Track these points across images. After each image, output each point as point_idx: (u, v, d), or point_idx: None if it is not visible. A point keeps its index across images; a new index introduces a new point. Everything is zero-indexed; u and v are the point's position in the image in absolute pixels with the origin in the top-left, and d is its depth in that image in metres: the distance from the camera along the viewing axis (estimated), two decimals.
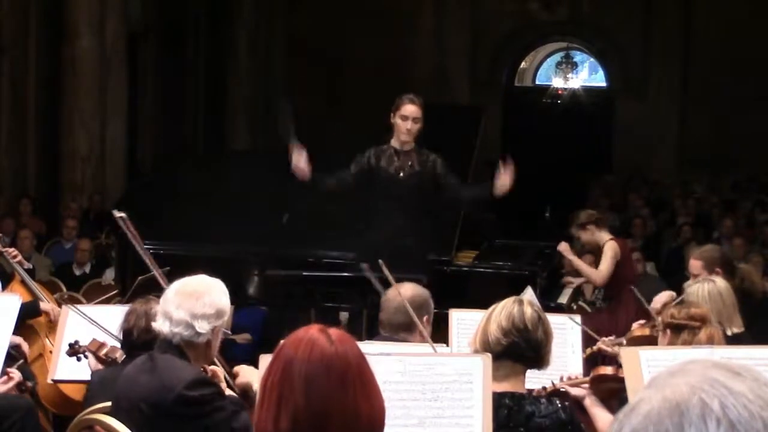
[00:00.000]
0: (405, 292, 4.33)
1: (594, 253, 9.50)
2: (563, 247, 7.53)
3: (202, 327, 3.49)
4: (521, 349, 3.44)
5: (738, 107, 17.14)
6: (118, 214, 4.71)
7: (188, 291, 3.53)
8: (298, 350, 2.17)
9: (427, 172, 6.38)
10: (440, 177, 6.40)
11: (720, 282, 5.09)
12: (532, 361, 3.51)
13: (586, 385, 4.19)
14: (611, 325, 6.92)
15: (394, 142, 6.42)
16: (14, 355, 5.16)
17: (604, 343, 5.36)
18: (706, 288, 4.99)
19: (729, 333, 4.86)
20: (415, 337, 4.23)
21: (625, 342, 5.26)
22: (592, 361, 5.86)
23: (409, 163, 6.41)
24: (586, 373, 4.65)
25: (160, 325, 3.52)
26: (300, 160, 6.25)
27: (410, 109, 6.31)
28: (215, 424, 3.44)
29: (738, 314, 5.00)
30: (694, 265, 5.89)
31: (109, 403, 3.70)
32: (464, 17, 18.33)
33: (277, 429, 2.12)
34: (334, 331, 2.22)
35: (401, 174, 6.39)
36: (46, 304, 6.05)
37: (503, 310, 3.52)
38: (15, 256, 6.38)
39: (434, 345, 3.98)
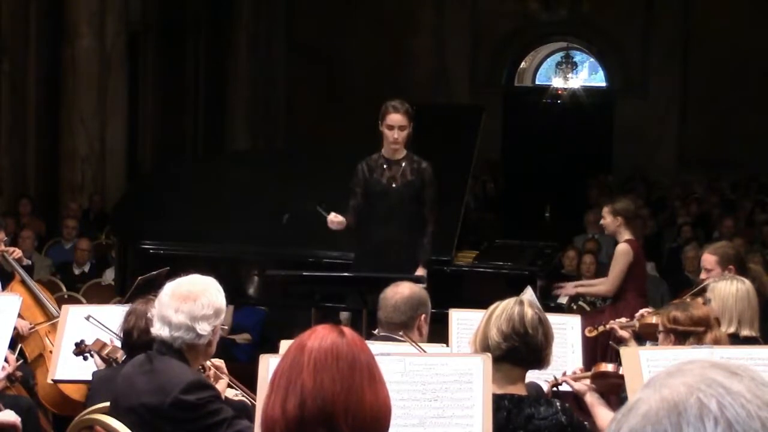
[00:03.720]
0: (402, 290, 4.34)
1: (593, 252, 9.51)
2: (568, 291, 7.46)
3: (204, 329, 3.47)
4: (521, 353, 3.44)
5: (738, 108, 17.15)
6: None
7: (184, 293, 3.49)
8: (309, 341, 2.21)
9: (418, 180, 6.37)
10: (424, 188, 6.37)
11: (748, 282, 5.05)
12: (533, 363, 3.51)
13: (588, 381, 4.21)
14: None
15: (385, 152, 6.41)
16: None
17: (616, 324, 5.37)
18: (736, 286, 4.94)
19: (743, 333, 4.86)
20: (413, 336, 4.23)
21: (637, 325, 5.26)
22: (599, 341, 5.88)
23: (401, 172, 6.39)
24: (586, 359, 4.67)
25: (159, 330, 3.49)
26: (335, 220, 6.28)
27: (395, 118, 6.27)
28: (212, 427, 3.43)
29: (758, 318, 4.97)
30: (708, 259, 5.87)
31: (108, 404, 3.71)
32: (464, 17, 18.33)
33: (284, 412, 2.14)
34: (346, 329, 2.27)
35: (394, 185, 6.37)
36: None
37: (504, 312, 3.49)
38: (13, 253, 6.39)
39: (424, 348, 3.97)
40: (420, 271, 6.27)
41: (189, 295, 3.49)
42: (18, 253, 6.55)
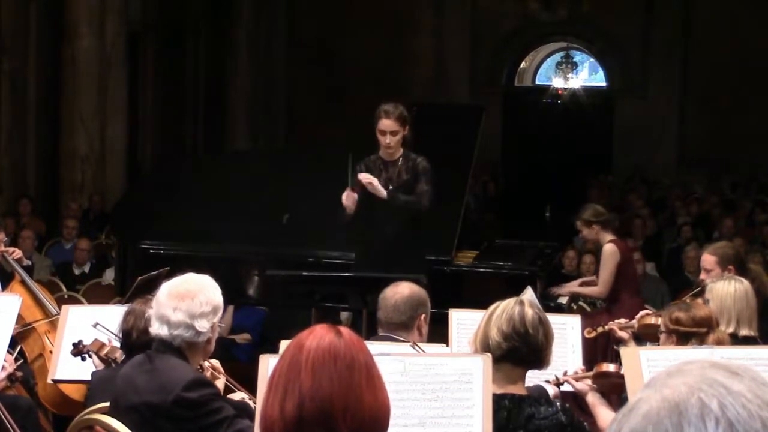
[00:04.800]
0: (402, 290, 4.33)
1: (593, 252, 9.51)
2: (562, 291, 7.50)
3: (203, 326, 3.48)
4: (521, 353, 3.44)
5: (738, 107, 17.15)
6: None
7: (181, 292, 3.50)
8: (307, 341, 2.20)
9: (413, 176, 6.37)
10: (417, 180, 6.37)
11: (746, 282, 5.05)
12: (533, 363, 3.51)
13: (589, 381, 4.21)
14: None
15: (381, 153, 6.42)
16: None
17: (615, 325, 5.37)
18: (734, 286, 4.94)
19: (742, 333, 4.85)
20: (412, 336, 4.23)
21: (636, 326, 5.26)
22: (598, 342, 5.89)
23: (398, 173, 6.40)
24: (586, 360, 4.68)
25: (158, 329, 3.49)
26: (350, 198, 6.26)
27: (386, 123, 6.28)
28: (213, 425, 3.43)
29: (756, 318, 4.97)
30: (708, 260, 5.86)
31: (108, 404, 3.71)
32: (464, 17, 18.34)
33: (282, 413, 2.13)
34: (344, 329, 2.26)
35: (390, 186, 6.38)
36: None
37: (504, 312, 3.49)
38: (13, 254, 6.38)
39: (424, 348, 3.97)
40: (377, 186, 6.22)
41: (187, 293, 3.49)
42: (18, 253, 6.55)
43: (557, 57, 19.83)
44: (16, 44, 12.17)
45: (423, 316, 4.32)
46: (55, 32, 12.37)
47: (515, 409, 3.35)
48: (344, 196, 6.28)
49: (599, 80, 19.81)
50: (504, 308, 3.51)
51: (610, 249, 7.13)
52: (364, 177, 6.25)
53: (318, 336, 2.20)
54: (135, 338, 4.15)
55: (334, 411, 2.13)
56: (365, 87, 16.78)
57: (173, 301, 3.47)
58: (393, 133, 6.27)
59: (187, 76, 16.34)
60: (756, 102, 16.96)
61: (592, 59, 19.70)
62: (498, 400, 3.30)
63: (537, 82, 20.52)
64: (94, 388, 4.28)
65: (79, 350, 4.65)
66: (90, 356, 4.62)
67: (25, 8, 12.27)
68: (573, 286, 7.63)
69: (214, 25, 16.63)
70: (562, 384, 4.25)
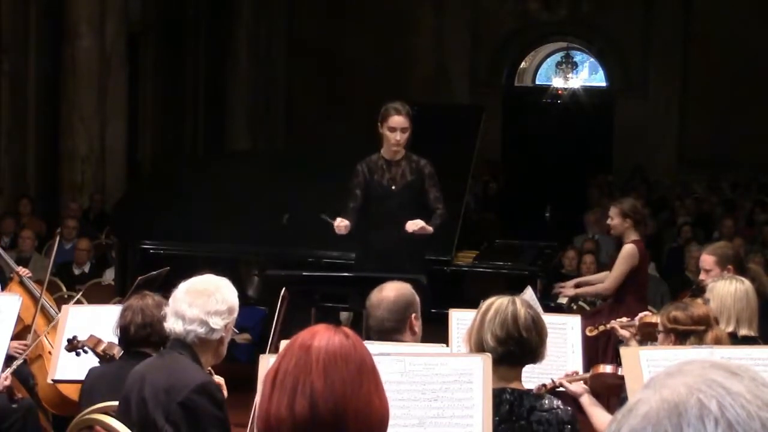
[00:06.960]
0: (388, 294, 4.24)
1: (593, 252, 9.51)
2: (567, 292, 7.44)
3: (216, 323, 3.51)
4: (517, 355, 3.47)
5: (738, 107, 17.15)
6: None
7: (199, 289, 3.55)
8: (314, 340, 2.17)
9: (418, 179, 6.37)
10: (425, 183, 6.36)
11: (747, 282, 5.05)
12: (528, 361, 3.54)
13: (583, 383, 4.21)
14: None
15: (384, 153, 6.40)
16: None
17: (617, 323, 5.36)
18: (735, 285, 4.95)
19: (742, 333, 4.86)
20: (405, 337, 4.19)
21: (637, 325, 5.25)
22: (599, 341, 5.88)
23: (401, 173, 6.38)
24: (586, 359, 4.67)
25: (173, 324, 3.53)
26: (342, 225, 6.27)
27: (397, 120, 6.25)
28: None
29: (756, 318, 4.97)
30: (707, 260, 5.87)
31: (110, 403, 3.71)
32: (464, 17, 18.34)
33: (292, 414, 2.09)
34: (346, 330, 2.24)
35: (393, 187, 6.36)
36: None
37: (497, 315, 3.49)
38: (25, 274, 6.33)
39: (422, 348, 3.95)
40: (421, 226, 6.26)
41: (204, 291, 3.54)
42: (29, 274, 6.43)
43: (557, 57, 19.83)
44: (16, 44, 12.17)
45: (413, 315, 4.24)
46: (55, 32, 12.37)
47: (517, 402, 3.39)
48: (337, 226, 6.29)
49: (599, 80, 19.81)
50: (497, 310, 3.50)
51: (630, 250, 6.93)
52: (411, 226, 6.24)
53: (325, 336, 2.17)
54: (133, 333, 4.16)
55: (347, 413, 2.10)
56: (365, 87, 16.78)
57: (190, 298, 3.52)
58: (404, 130, 6.26)
59: (187, 76, 16.34)
60: (756, 102, 16.96)
61: (592, 59, 19.70)
62: (499, 394, 3.35)
63: (537, 82, 20.52)
64: (91, 384, 4.26)
65: (73, 346, 4.63)
66: (85, 351, 4.60)
67: (25, 8, 12.27)
68: (571, 288, 7.56)
69: (214, 25, 16.63)
70: (558, 387, 4.25)
